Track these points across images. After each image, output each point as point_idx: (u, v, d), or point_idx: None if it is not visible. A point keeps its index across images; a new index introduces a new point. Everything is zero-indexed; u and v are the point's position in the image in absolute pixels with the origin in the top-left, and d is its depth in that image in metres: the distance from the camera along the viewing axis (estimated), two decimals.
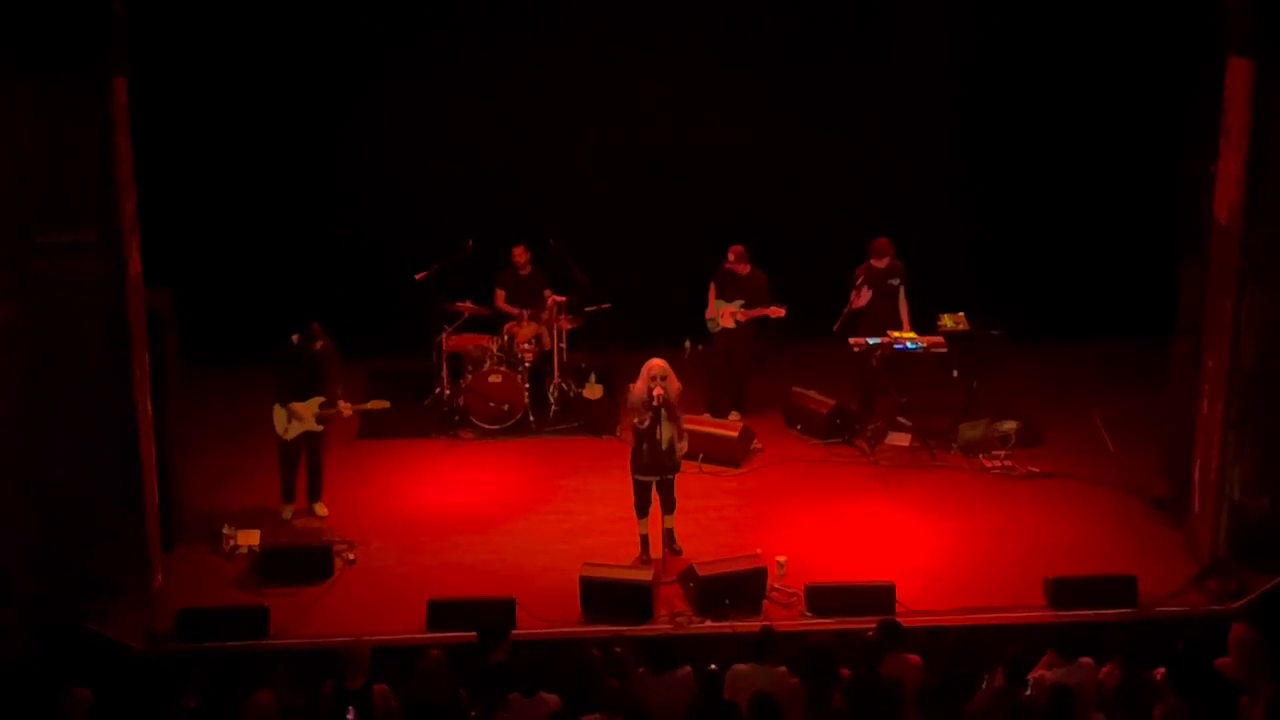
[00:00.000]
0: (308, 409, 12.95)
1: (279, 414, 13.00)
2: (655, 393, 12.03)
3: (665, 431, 12.14)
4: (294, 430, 13.01)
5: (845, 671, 9.94)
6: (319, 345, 12.93)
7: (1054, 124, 16.04)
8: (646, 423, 12.12)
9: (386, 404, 13.42)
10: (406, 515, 13.36)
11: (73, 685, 9.75)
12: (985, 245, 16.14)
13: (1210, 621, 11.42)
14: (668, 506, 12.41)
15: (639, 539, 12.49)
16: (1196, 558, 12.45)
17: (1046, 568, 12.15)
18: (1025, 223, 16.32)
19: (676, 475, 12.42)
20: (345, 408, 13.10)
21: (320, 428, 13.07)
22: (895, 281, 14.49)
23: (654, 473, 12.27)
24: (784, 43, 15.76)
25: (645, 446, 12.21)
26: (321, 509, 13.32)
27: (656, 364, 12.18)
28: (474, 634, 10.65)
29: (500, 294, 15.22)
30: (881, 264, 14.42)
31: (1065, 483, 13.88)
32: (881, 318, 14.41)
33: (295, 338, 12.97)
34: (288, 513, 13.22)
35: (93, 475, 11.68)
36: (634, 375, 12.45)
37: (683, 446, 12.39)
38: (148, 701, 10.50)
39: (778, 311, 14.52)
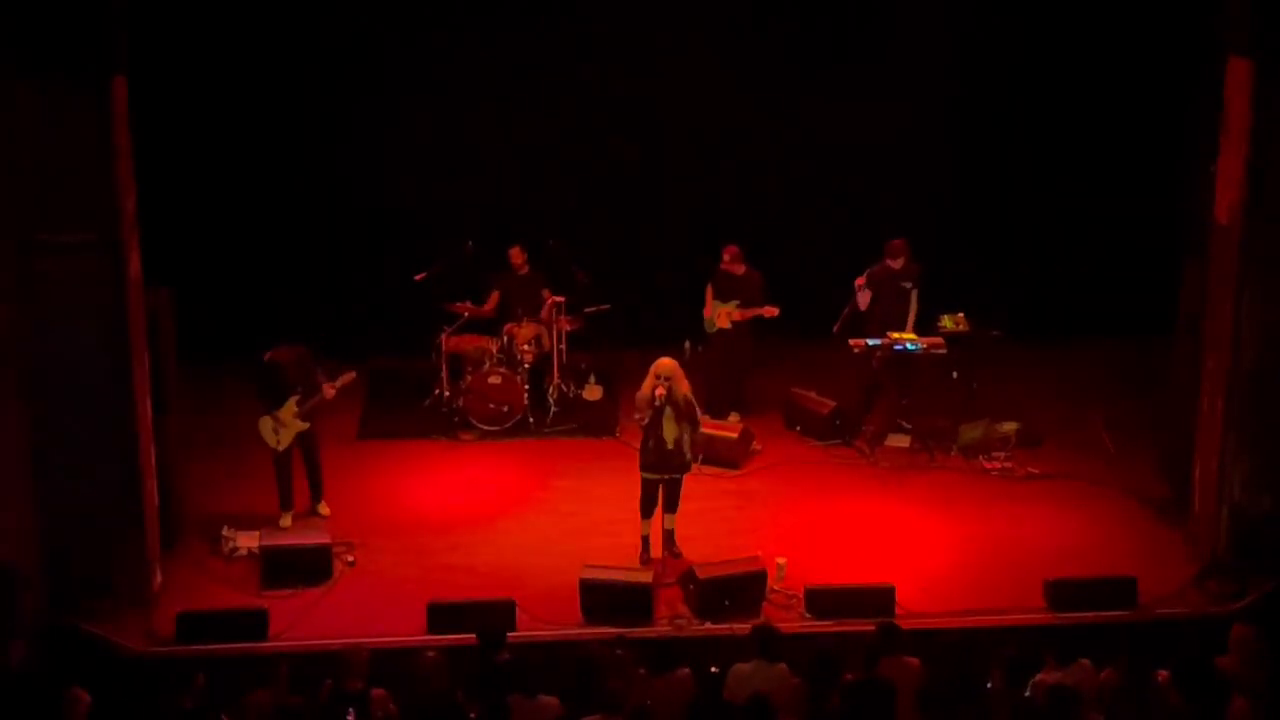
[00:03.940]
0: (287, 411, 12.93)
1: (265, 427, 12.98)
2: (657, 392, 12.04)
3: (670, 430, 12.14)
4: (285, 438, 12.99)
5: (849, 676, 9.93)
6: (289, 372, 12.92)
7: (1054, 124, 16.02)
8: (646, 420, 12.13)
9: (354, 375, 13.33)
10: (406, 516, 13.34)
11: (72, 687, 9.73)
12: (985, 246, 16.13)
13: (1211, 622, 11.41)
14: (670, 505, 12.41)
15: (640, 539, 12.50)
16: (1197, 558, 12.44)
17: (1046, 569, 12.14)
18: (1025, 223, 16.32)
19: (685, 476, 12.43)
20: (329, 389, 13.08)
21: (307, 424, 13.05)
22: (909, 284, 14.46)
23: (660, 470, 12.26)
24: (784, 42, 15.74)
25: (651, 444, 12.23)
26: (324, 509, 13.31)
27: (663, 363, 12.18)
28: (474, 636, 10.63)
29: (495, 295, 15.18)
30: (897, 265, 14.39)
31: (1065, 484, 13.87)
32: (890, 319, 14.37)
33: (267, 356, 12.98)
34: (286, 520, 13.14)
35: (92, 476, 11.66)
36: (633, 376, 12.45)
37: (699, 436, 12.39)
38: (146, 703, 10.48)
39: (771, 311, 14.49)
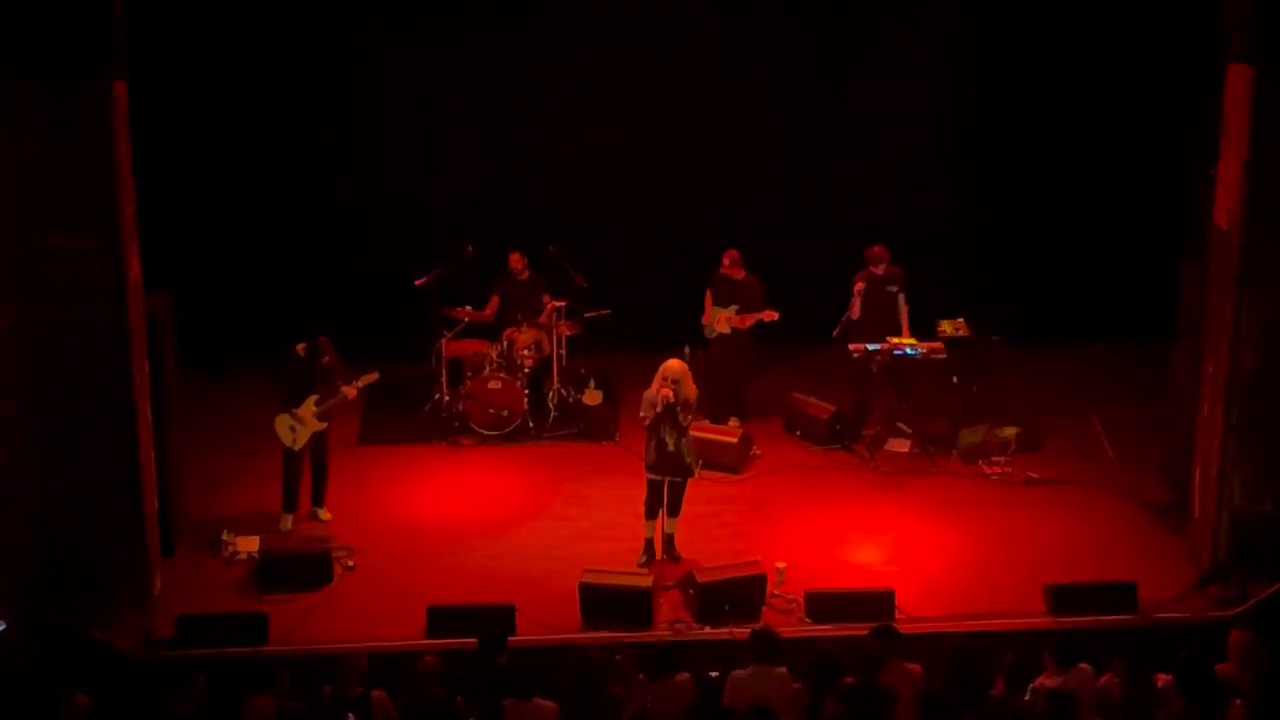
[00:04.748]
0: (306, 410, 12.92)
1: (282, 424, 12.94)
2: (663, 394, 12.03)
3: (671, 433, 12.14)
4: (301, 437, 12.97)
5: (850, 680, 9.92)
6: (325, 360, 12.94)
7: (1054, 126, 16.03)
8: (649, 421, 12.15)
9: (376, 375, 13.32)
10: (406, 521, 13.33)
11: (71, 691, 9.72)
12: (985, 250, 16.13)
13: (1212, 627, 11.40)
14: (672, 510, 12.40)
15: (643, 542, 12.50)
16: (1197, 563, 12.43)
17: (1047, 574, 12.13)
18: (1025, 227, 16.32)
19: (688, 480, 12.43)
20: (350, 390, 13.07)
21: (324, 425, 13.04)
22: (894, 288, 14.47)
23: (662, 472, 12.25)
24: (782, 47, 15.75)
25: (654, 445, 12.23)
26: (325, 513, 13.30)
27: (671, 365, 12.16)
28: (474, 641, 10.63)
29: (495, 300, 15.18)
30: (879, 270, 14.41)
31: (1065, 488, 13.87)
32: (879, 325, 14.37)
33: (301, 349, 12.94)
34: (288, 523, 13.13)
35: (92, 480, 11.66)
36: (633, 381, 12.44)
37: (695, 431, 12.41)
38: (146, 707, 10.47)
39: (771, 315, 14.49)
